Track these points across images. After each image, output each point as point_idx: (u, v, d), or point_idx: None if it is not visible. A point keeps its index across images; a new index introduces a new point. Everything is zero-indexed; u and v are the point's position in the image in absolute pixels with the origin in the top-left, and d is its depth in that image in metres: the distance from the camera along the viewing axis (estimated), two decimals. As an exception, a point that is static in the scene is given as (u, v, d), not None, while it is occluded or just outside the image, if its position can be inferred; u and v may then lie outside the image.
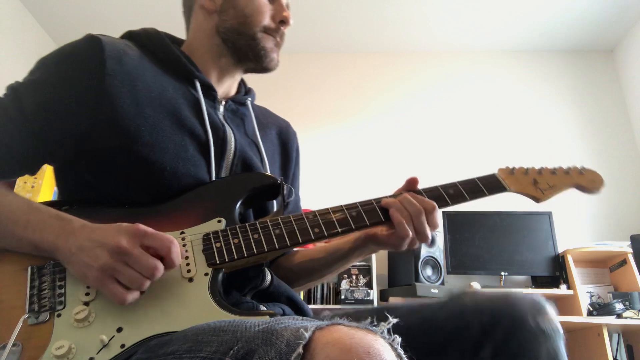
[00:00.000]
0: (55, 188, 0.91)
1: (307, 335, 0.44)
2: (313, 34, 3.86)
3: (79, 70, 0.81)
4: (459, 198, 0.90)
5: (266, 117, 1.10)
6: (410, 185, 0.91)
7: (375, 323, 0.47)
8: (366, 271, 3.07)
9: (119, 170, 0.81)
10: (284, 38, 1.00)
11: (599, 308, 2.77)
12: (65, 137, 0.80)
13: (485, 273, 3.16)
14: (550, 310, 0.74)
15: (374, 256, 3.09)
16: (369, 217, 0.85)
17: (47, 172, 2.76)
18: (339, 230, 0.82)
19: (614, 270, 3.09)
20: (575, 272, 2.99)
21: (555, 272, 3.05)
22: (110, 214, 0.77)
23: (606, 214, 3.44)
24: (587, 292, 3.04)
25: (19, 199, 0.76)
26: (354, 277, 3.06)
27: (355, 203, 0.86)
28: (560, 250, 3.09)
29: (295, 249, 1.06)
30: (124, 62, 0.83)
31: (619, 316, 2.69)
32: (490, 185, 0.93)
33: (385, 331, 0.47)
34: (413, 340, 0.77)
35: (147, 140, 0.80)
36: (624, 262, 2.98)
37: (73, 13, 3.69)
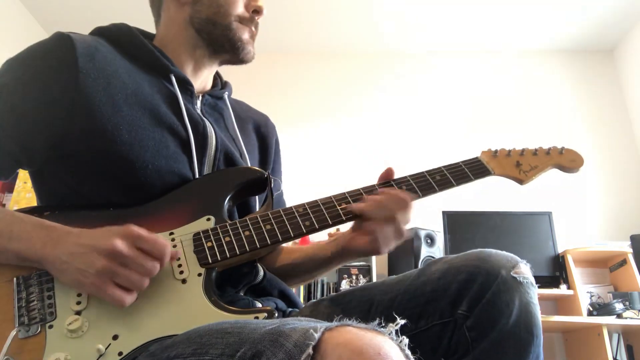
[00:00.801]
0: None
1: (316, 336, 0.44)
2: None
3: (50, 71, 0.78)
4: (446, 184, 0.90)
5: (244, 111, 1.09)
6: (386, 178, 0.91)
7: (383, 324, 0.47)
8: (366, 271, 3.06)
9: (99, 171, 0.78)
10: (258, 28, 0.99)
11: (599, 308, 2.77)
12: (40, 140, 0.78)
13: (485, 273, 3.15)
14: (524, 265, 0.76)
15: (373, 256, 3.09)
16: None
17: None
18: (330, 222, 0.82)
19: (614, 270, 3.09)
20: (575, 272, 2.99)
21: (555, 272, 3.05)
22: (95, 218, 0.75)
23: (606, 214, 3.44)
24: (587, 292, 3.04)
25: (0, 210, 0.74)
26: (354, 277, 3.05)
27: (343, 194, 0.86)
28: (560, 250, 3.09)
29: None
30: (97, 59, 0.81)
31: (619, 316, 2.69)
32: (475, 169, 0.94)
33: (393, 332, 0.47)
34: (398, 311, 0.78)
35: (126, 139, 0.78)
36: (624, 262, 2.98)
37: (73, 13, 3.68)
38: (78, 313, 0.66)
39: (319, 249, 0.98)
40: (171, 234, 0.76)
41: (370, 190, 0.88)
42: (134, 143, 0.78)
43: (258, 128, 1.09)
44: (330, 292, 3.08)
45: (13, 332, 0.63)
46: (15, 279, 0.68)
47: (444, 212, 3.18)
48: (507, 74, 3.95)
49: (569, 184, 3.53)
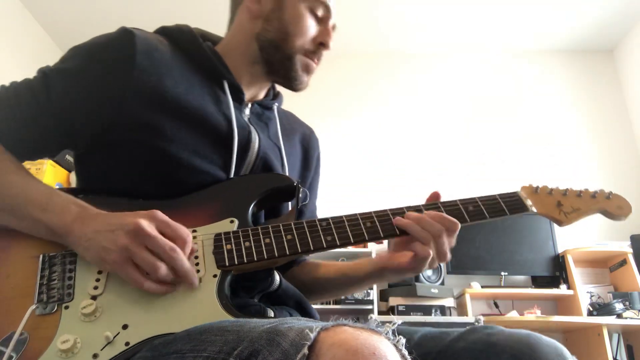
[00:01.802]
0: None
1: (312, 335, 0.44)
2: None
3: (108, 62, 0.81)
4: (478, 216, 0.86)
5: (291, 123, 1.09)
6: (432, 200, 0.88)
7: (380, 324, 0.47)
8: (366, 271, 3.06)
9: (137, 163, 0.81)
10: (320, 60, 0.99)
11: (599, 308, 2.77)
12: (87, 126, 0.81)
13: (485, 273, 3.16)
14: (571, 358, 0.72)
15: (374, 255, 3.09)
16: (383, 229, 0.81)
17: (47, 170, 2.75)
18: (352, 240, 0.80)
19: (614, 270, 3.09)
20: (575, 272, 2.99)
21: (555, 272, 3.05)
22: (125, 206, 0.76)
23: (606, 214, 3.44)
24: (587, 292, 3.04)
25: (40, 183, 0.76)
26: (354, 277, 3.05)
27: (370, 213, 0.83)
28: (560, 250, 3.09)
29: (309, 260, 1.05)
30: (154, 57, 0.84)
31: (619, 316, 2.69)
32: (512, 204, 0.88)
33: (390, 332, 0.47)
34: None
35: (168, 135, 0.80)
36: (624, 262, 2.98)
37: (73, 13, 3.68)
38: (94, 298, 0.67)
39: (353, 267, 0.97)
40: (194, 231, 0.77)
41: (397, 212, 0.84)
42: (174, 140, 0.81)
43: (303, 140, 1.09)
44: (330, 292, 3.07)
45: (31, 308, 0.65)
46: (41, 256, 0.71)
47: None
48: (508, 74, 3.95)
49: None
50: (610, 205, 0.92)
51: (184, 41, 0.93)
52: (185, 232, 0.70)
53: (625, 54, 3.81)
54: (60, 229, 0.70)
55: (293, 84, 0.96)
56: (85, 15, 3.70)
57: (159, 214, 0.69)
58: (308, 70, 0.96)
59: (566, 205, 0.91)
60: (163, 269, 0.66)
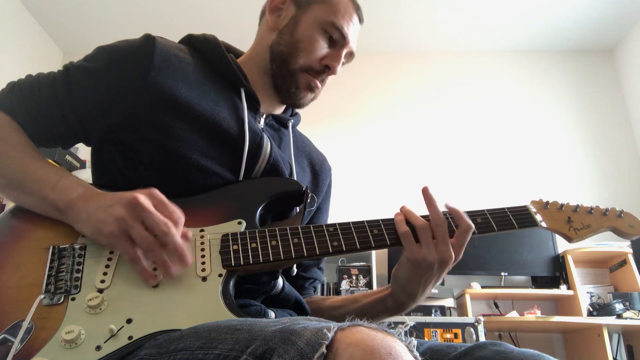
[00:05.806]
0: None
1: (330, 335, 0.44)
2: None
3: (127, 64, 0.84)
4: (486, 229, 0.87)
5: (304, 145, 1.11)
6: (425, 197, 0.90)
7: (393, 325, 0.47)
8: (366, 271, 3.06)
9: (148, 161, 0.83)
10: (324, 83, 1.00)
11: (599, 308, 2.78)
12: (99, 122, 0.84)
13: (485, 273, 3.16)
14: None
15: (373, 256, 3.08)
16: (390, 237, 0.82)
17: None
18: (358, 246, 0.80)
19: (614, 271, 3.09)
20: (575, 272, 2.99)
21: (555, 272, 3.06)
22: None
23: (606, 214, 3.45)
24: (587, 293, 3.05)
25: (52, 165, 0.80)
26: (354, 277, 3.05)
27: (377, 220, 0.84)
28: (560, 250, 3.09)
29: (317, 296, 1.07)
30: (171, 61, 0.86)
31: (619, 316, 2.70)
32: (521, 219, 0.89)
33: (402, 333, 0.47)
34: None
35: (179, 136, 0.82)
36: (624, 262, 2.99)
37: (73, 13, 3.68)
38: (100, 291, 0.69)
39: (357, 296, 0.97)
40: (202, 230, 0.78)
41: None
42: (185, 140, 0.83)
43: (312, 165, 1.09)
44: (330, 293, 3.07)
45: (40, 298, 0.66)
46: (51, 247, 0.73)
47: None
48: (508, 74, 3.95)
49: (568, 184, 3.53)
50: (622, 224, 0.91)
51: (207, 49, 0.96)
52: (179, 214, 0.71)
53: (625, 54, 3.82)
54: (62, 204, 0.73)
55: (293, 99, 0.98)
56: (85, 15, 3.69)
57: (156, 192, 0.71)
58: (310, 88, 0.97)
59: (576, 222, 0.91)
60: (156, 243, 0.68)
